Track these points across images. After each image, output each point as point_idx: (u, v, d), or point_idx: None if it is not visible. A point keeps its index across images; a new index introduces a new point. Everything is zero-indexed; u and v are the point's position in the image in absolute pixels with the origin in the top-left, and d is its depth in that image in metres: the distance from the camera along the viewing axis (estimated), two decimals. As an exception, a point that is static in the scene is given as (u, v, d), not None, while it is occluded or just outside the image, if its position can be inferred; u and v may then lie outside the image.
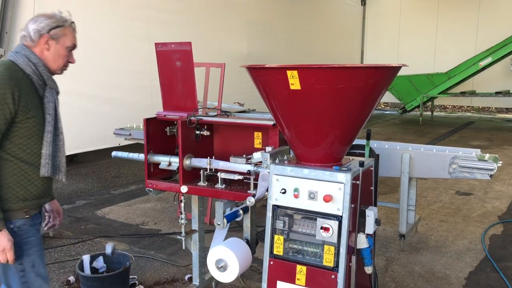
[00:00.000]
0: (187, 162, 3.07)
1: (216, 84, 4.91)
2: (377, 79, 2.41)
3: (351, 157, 2.87)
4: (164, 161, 3.19)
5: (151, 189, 3.23)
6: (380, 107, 18.42)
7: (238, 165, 2.90)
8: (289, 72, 2.35)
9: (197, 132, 3.15)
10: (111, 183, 7.21)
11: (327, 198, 2.50)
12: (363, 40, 17.17)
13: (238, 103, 5.82)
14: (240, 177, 2.92)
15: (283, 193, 2.63)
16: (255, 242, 3.35)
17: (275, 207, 2.68)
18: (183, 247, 3.31)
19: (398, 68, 2.48)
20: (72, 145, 7.60)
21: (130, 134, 5.66)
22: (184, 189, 3.03)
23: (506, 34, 12.87)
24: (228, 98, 5.72)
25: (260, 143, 3.16)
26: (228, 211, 2.94)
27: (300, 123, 2.54)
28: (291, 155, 2.92)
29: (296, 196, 2.60)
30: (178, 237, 3.27)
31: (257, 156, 2.84)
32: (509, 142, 10.77)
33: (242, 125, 3.11)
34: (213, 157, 3.05)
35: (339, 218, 2.50)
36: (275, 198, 2.67)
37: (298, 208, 2.61)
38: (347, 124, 2.55)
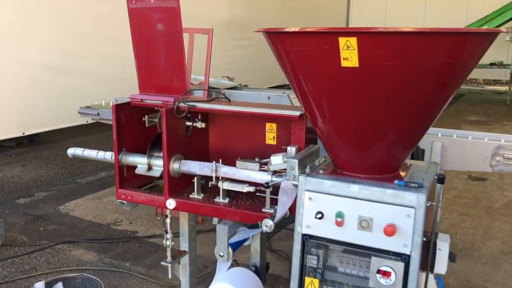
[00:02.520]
0: (175, 165, 2.19)
1: (199, 55, 3.97)
2: (473, 51, 1.56)
3: (408, 162, 2.05)
4: (142, 163, 2.31)
5: (124, 202, 2.36)
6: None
7: (251, 173, 2.03)
8: (342, 40, 1.48)
9: (188, 123, 2.26)
10: (77, 169, 6.24)
11: (390, 230, 1.68)
12: (349, 2, 16.28)
13: (228, 77, 4.90)
14: (251, 188, 2.06)
15: (320, 218, 1.80)
16: (265, 268, 2.54)
17: (307, 238, 1.86)
18: (169, 276, 2.47)
19: (496, 35, 1.64)
20: (32, 123, 6.66)
21: (98, 113, 4.76)
22: (171, 204, 2.17)
23: (498, 2, 12.15)
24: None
25: (274, 138, 2.30)
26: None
27: (351, 117, 1.68)
28: (323, 159, 2.07)
29: (339, 224, 1.77)
30: (163, 263, 2.42)
31: (276, 161, 1.98)
32: (507, 117, 10.18)
33: (253, 115, 2.22)
34: (220, 161, 2.18)
35: (406, 258, 1.70)
36: (307, 225, 1.84)
37: (343, 241, 1.79)
38: (420, 118, 1.71)
